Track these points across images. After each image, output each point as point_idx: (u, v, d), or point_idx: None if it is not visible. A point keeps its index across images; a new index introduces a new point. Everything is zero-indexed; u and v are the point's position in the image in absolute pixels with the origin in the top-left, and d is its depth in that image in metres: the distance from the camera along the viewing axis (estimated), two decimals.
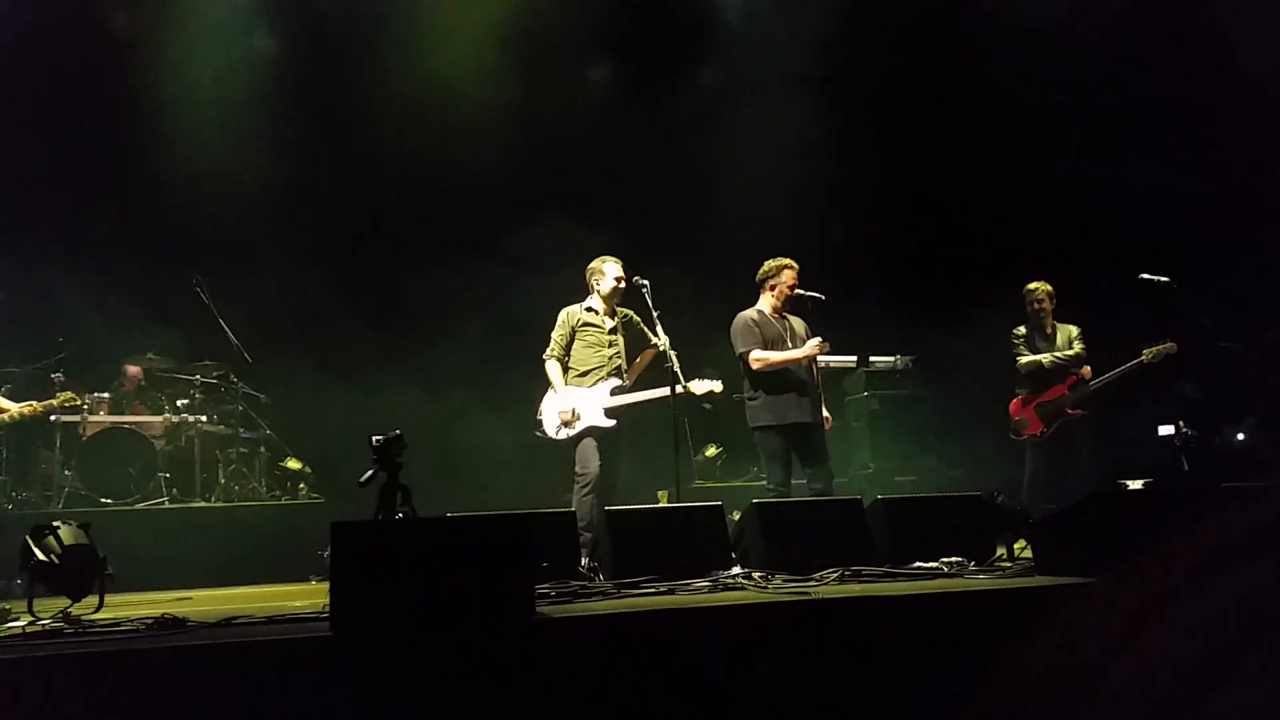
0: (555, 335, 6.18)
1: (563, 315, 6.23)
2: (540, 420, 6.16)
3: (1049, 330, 7.07)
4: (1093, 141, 8.79)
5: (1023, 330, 7.09)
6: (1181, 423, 5.85)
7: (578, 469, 5.95)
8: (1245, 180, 8.31)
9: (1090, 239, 8.55)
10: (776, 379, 6.00)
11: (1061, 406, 6.90)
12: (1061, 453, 6.87)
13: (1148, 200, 8.67)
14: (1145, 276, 6.83)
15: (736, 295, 6.77)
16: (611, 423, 6.01)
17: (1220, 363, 6.94)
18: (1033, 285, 7.10)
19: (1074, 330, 7.06)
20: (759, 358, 6.01)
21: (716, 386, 6.09)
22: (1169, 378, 6.91)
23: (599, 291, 6.18)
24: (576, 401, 6.00)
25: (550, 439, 6.07)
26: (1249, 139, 8.08)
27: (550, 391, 6.12)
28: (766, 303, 6.14)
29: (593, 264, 6.25)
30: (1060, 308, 7.11)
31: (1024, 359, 7.02)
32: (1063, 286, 7.18)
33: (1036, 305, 7.05)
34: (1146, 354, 6.74)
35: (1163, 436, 6.08)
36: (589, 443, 5.97)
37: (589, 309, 6.21)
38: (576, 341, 6.12)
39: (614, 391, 6.07)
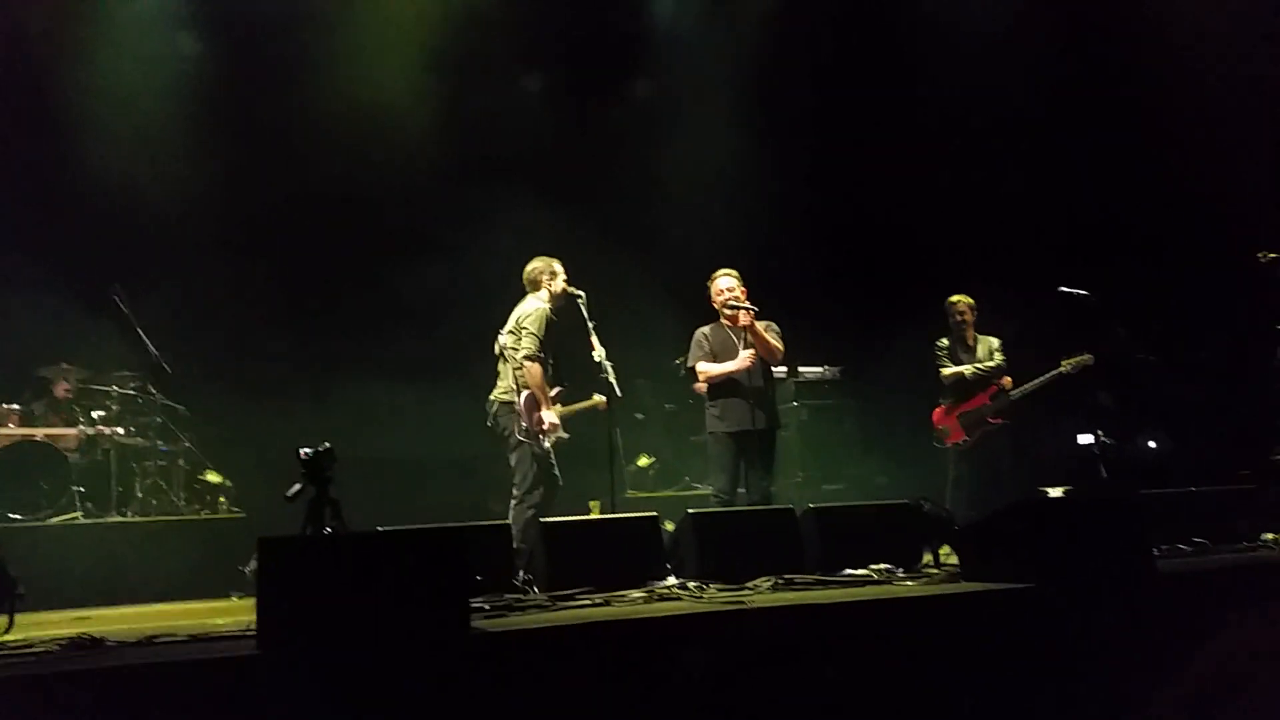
0: (538, 334, 5.86)
1: (538, 313, 5.93)
2: (517, 423, 5.82)
3: (971, 342, 7.25)
4: (1015, 155, 9.02)
5: (945, 342, 7.27)
6: (1100, 432, 6.05)
7: (528, 482, 5.78)
8: (1162, 195, 8.62)
9: (1012, 252, 8.77)
10: (725, 388, 6.10)
11: (983, 416, 7.08)
12: (983, 461, 7.05)
13: (1069, 214, 8.95)
14: (1064, 290, 7.05)
15: (671, 306, 6.82)
16: (567, 434, 6.02)
17: (1135, 374, 7.18)
18: (954, 298, 7.28)
19: (995, 342, 7.26)
20: (700, 371, 6.18)
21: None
22: (1088, 388, 7.13)
23: (551, 291, 6.05)
24: (554, 410, 5.91)
25: (527, 442, 5.80)
26: (1169, 152, 8.37)
27: (525, 393, 5.84)
28: (723, 316, 6.20)
29: (538, 264, 6.12)
30: (982, 320, 7.29)
31: (946, 370, 7.20)
32: (985, 299, 7.37)
33: (958, 317, 7.24)
34: (1065, 365, 6.96)
35: (1081, 445, 6.29)
36: (549, 456, 5.87)
37: (552, 311, 6.01)
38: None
39: (559, 400, 6.05)
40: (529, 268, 6.14)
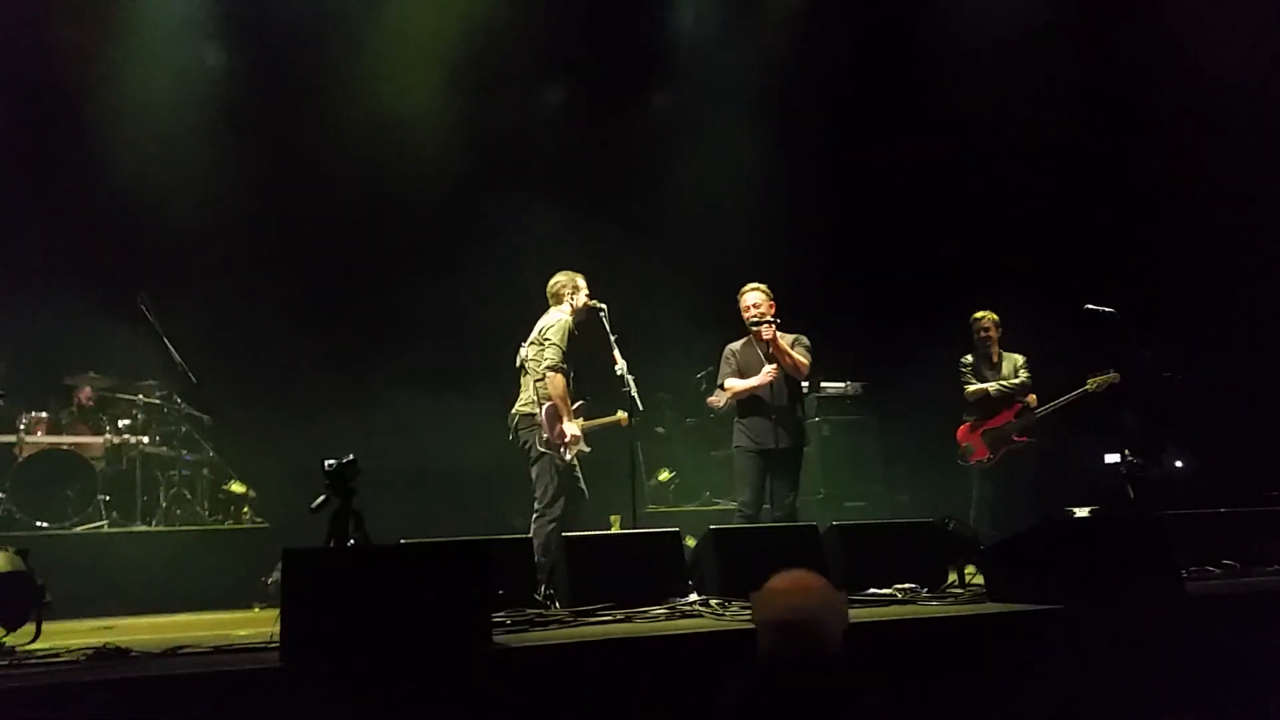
0: (561, 344, 5.86)
1: (561, 324, 5.94)
2: (539, 434, 5.82)
3: (995, 359, 7.21)
4: (1044, 172, 8.96)
5: (969, 359, 7.23)
6: (1127, 451, 5.99)
7: (549, 496, 5.77)
8: (1192, 211, 8.54)
9: (1039, 268, 8.72)
10: (748, 405, 6.11)
11: (1008, 434, 7.03)
12: (1008, 479, 7.00)
13: (1095, 232, 8.89)
14: (1090, 307, 7.00)
15: (693, 321, 6.82)
16: (589, 448, 6.01)
17: (1161, 393, 7.11)
18: (978, 314, 7.24)
19: (1020, 359, 7.20)
20: (726, 387, 6.19)
21: (619, 417, 6.18)
22: (1114, 407, 7.07)
23: (573, 305, 6.05)
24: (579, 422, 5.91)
25: (550, 455, 5.80)
26: (1201, 168, 8.30)
27: (548, 404, 5.84)
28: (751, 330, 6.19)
29: (561, 278, 6.13)
30: (1008, 336, 7.25)
31: (971, 387, 7.16)
32: (1011, 316, 7.33)
33: (982, 334, 7.20)
34: (1091, 383, 6.90)
35: (1108, 464, 6.22)
36: (572, 469, 5.87)
37: (574, 323, 6.01)
38: None
39: (582, 414, 6.05)
40: (552, 281, 6.16)
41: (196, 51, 8.54)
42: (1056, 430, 7.21)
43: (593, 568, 4.58)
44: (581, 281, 6.12)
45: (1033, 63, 8.95)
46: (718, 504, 8.16)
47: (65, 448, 7.15)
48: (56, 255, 7.73)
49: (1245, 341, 7.91)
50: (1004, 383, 7.10)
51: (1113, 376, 6.85)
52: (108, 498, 7.00)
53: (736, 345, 6.25)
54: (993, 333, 7.19)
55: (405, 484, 7.46)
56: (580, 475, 5.95)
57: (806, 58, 9.46)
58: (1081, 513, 5.48)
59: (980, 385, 7.12)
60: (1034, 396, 7.06)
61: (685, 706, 3.36)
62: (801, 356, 6.08)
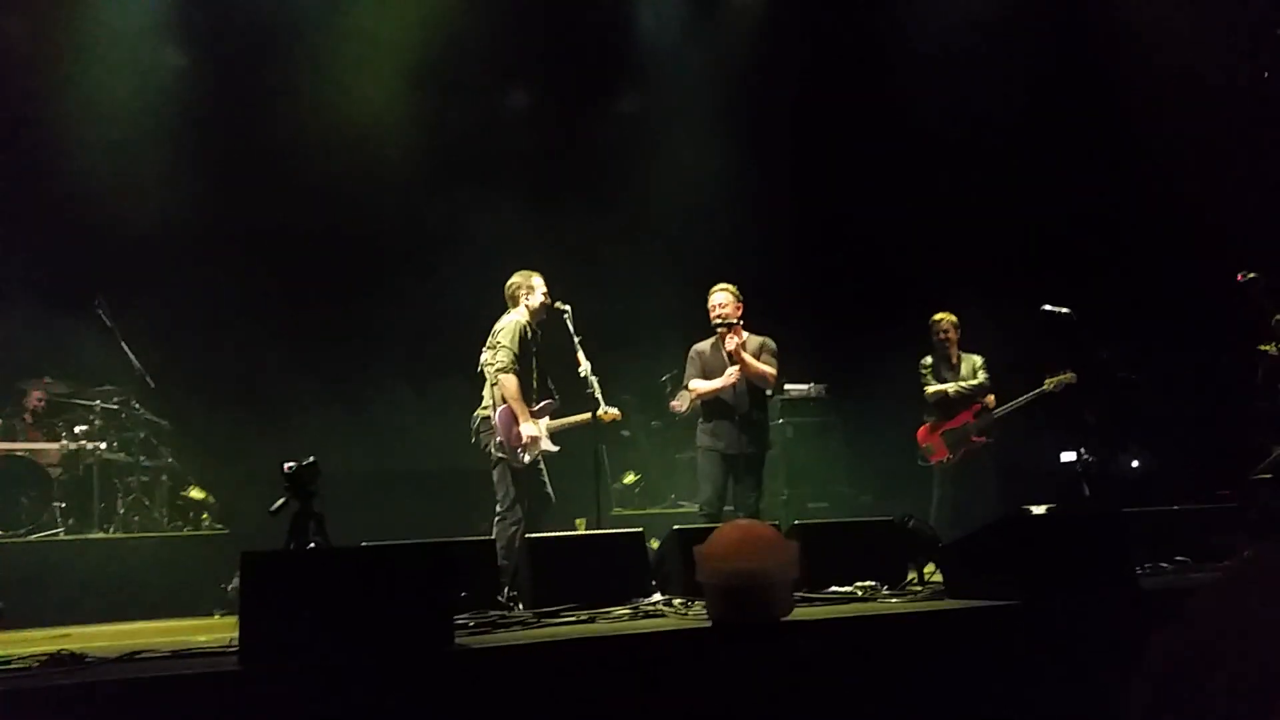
0: (511, 346, 5.79)
1: (512, 325, 5.88)
2: (495, 438, 5.76)
3: (954, 360, 7.29)
4: (1003, 173, 9.08)
5: (929, 360, 7.31)
6: (1083, 449, 6.08)
7: (509, 499, 5.73)
8: (1145, 211, 8.70)
9: (998, 270, 8.83)
10: (712, 408, 6.13)
11: (967, 434, 7.12)
12: (967, 479, 7.09)
13: (1053, 233, 9.02)
14: (1047, 308, 7.10)
15: (657, 322, 6.84)
16: (556, 448, 5.96)
17: (1117, 392, 7.23)
18: (937, 316, 7.33)
19: (978, 360, 7.30)
20: (690, 388, 6.24)
21: (614, 412, 6.08)
22: (1071, 406, 7.18)
23: (529, 306, 6.01)
24: (537, 424, 5.85)
25: (504, 458, 5.74)
26: (1152, 167, 8.46)
27: (501, 407, 5.78)
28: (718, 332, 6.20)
29: (516, 279, 6.08)
30: (966, 338, 7.34)
31: (930, 388, 7.24)
32: (970, 317, 7.42)
33: (941, 335, 7.28)
34: (1048, 383, 7.01)
35: (1065, 463, 6.32)
36: (532, 472, 5.83)
37: (529, 324, 5.97)
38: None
39: (550, 414, 6.00)
40: (509, 283, 6.12)
41: (155, 51, 8.44)
42: (1015, 430, 7.31)
43: (556, 569, 4.58)
44: (537, 281, 6.06)
45: (991, 63, 9.08)
46: (683, 506, 8.18)
47: (20, 453, 7.04)
48: (9, 258, 7.60)
49: (1201, 340, 8.05)
50: (963, 384, 7.19)
51: (1069, 376, 6.96)
52: (64, 504, 6.90)
53: (703, 346, 6.25)
54: (951, 334, 7.28)
55: (368, 486, 7.44)
56: (546, 479, 5.91)
57: (768, 59, 9.54)
58: (1038, 510, 5.56)
59: (939, 386, 7.21)
60: (993, 397, 7.16)
61: (648, 705, 3.37)
62: (768, 366, 6.09)
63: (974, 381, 7.19)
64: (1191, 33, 8.42)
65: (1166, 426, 7.76)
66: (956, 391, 7.16)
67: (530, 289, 6.02)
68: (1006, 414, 7.11)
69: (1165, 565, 5.02)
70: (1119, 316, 7.92)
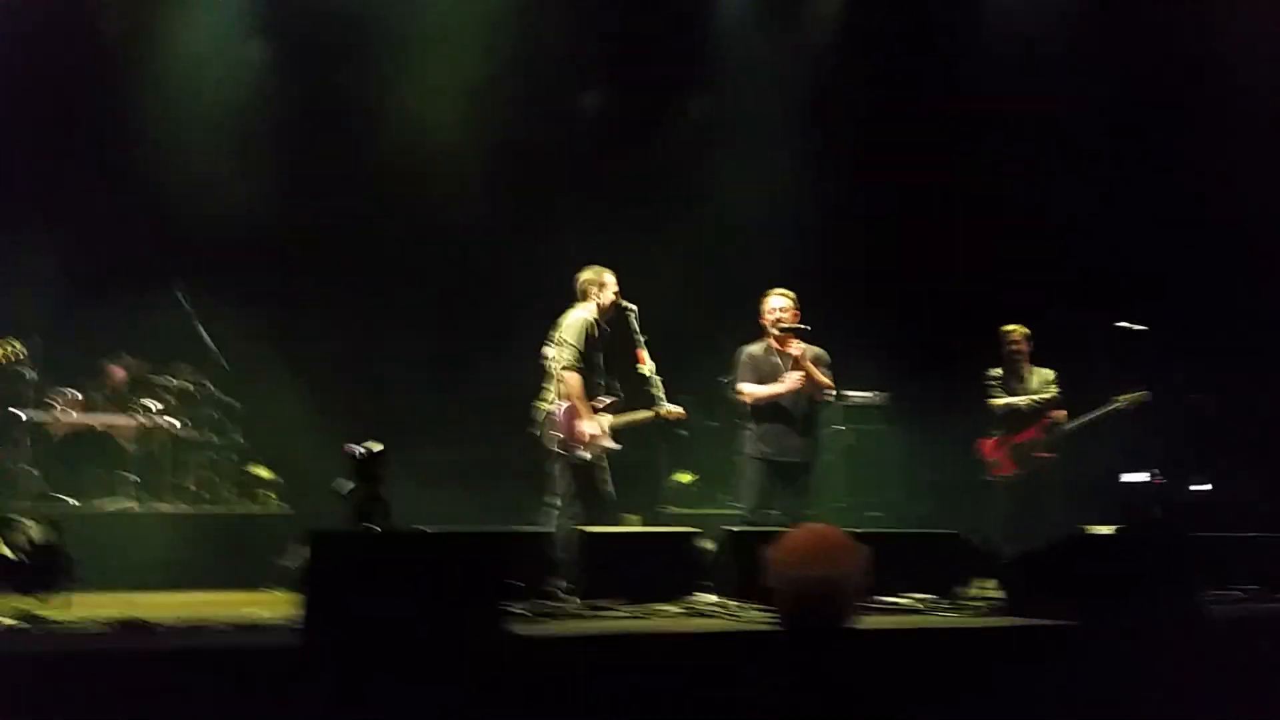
0: (575, 344, 5.77)
1: (578, 322, 5.84)
2: (554, 434, 5.77)
3: (1024, 373, 7.13)
4: (1082, 185, 8.90)
5: (998, 372, 7.16)
6: (1156, 471, 5.93)
7: (567, 496, 5.70)
8: (1228, 231, 8.46)
9: (1071, 284, 8.65)
10: (765, 413, 6.04)
11: (1033, 449, 6.96)
12: (1033, 495, 6.93)
13: (1131, 248, 8.81)
14: (1122, 325, 6.93)
15: (720, 323, 6.81)
16: (618, 445, 5.90)
17: (1190, 413, 7.04)
18: (1009, 327, 7.17)
19: (1049, 374, 7.14)
20: (742, 391, 6.11)
21: (677, 410, 6.05)
22: (1143, 426, 7.00)
23: (599, 302, 5.95)
24: (600, 420, 5.83)
25: (565, 455, 5.73)
26: (1239, 189, 8.24)
27: (562, 403, 5.77)
28: (770, 336, 6.14)
29: (588, 274, 6.03)
30: (1038, 351, 7.18)
31: (998, 400, 7.09)
32: (1041, 330, 7.26)
33: (1012, 347, 7.12)
34: (1120, 401, 6.84)
35: (1135, 483, 6.16)
36: (595, 469, 5.80)
37: (597, 320, 5.92)
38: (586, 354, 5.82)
39: (613, 411, 5.99)
40: (579, 277, 6.10)
41: (241, 45, 8.65)
42: (1084, 447, 7.14)
43: (610, 564, 4.62)
44: (609, 278, 6.03)
45: (1071, 73, 8.91)
46: (736, 507, 8.14)
47: (98, 428, 7.27)
48: (97, 244, 7.87)
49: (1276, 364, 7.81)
50: (1034, 398, 7.03)
51: (1143, 395, 6.78)
52: (137, 478, 7.10)
53: (755, 349, 6.17)
54: (1023, 346, 7.12)
55: (435, 474, 7.51)
56: (607, 477, 5.88)
57: (844, 66, 9.46)
58: (1106, 531, 5.44)
59: (1008, 399, 7.06)
60: (1062, 412, 7.00)
61: (697, 704, 3.37)
62: (826, 378, 6.05)
63: (1044, 396, 7.04)
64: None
65: (1239, 451, 7.52)
66: (1029, 405, 7.01)
67: (602, 285, 5.98)
68: (1076, 430, 6.95)
69: (1235, 593, 4.88)
70: (1195, 335, 7.69)
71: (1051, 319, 7.49)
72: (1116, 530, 5.43)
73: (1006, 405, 7.04)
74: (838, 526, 2.61)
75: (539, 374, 6.10)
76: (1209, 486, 7.14)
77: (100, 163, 8.05)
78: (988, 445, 7.18)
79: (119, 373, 7.68)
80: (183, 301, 7.53)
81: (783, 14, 9.84)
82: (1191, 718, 3.81)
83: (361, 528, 3.95)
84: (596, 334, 5.90)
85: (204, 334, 7.61)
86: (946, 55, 9.42)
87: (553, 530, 5.50)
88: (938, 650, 3.82)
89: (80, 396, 7.40)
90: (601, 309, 5.96)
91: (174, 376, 7.60)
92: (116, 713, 2.85)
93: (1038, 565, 4.44)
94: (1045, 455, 6.93)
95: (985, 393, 7.13)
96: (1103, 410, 6.90)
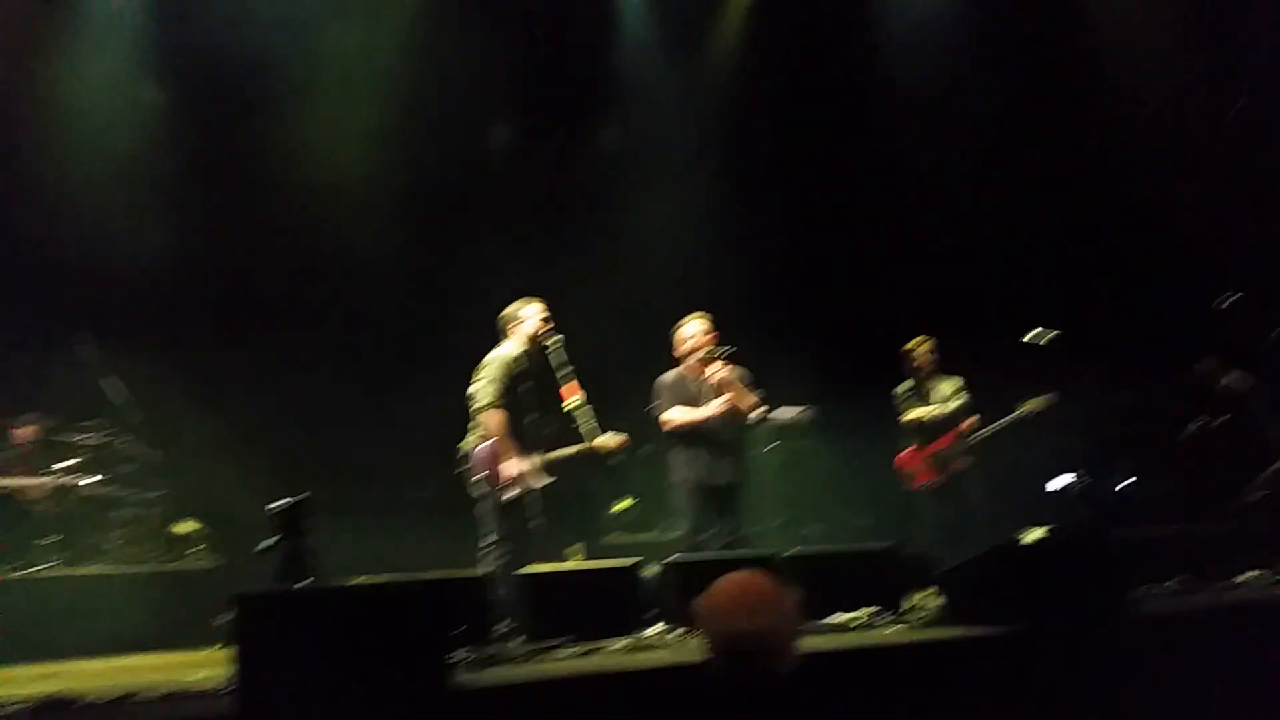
0: (497, 380, 5.66)
1: (498, 360, 5.74)
2: (478, 475, 5.64)
3: (931, 384, 7.26)
4: (987, 196, 9.14)
5: (905, 387, 7.29)
6: (1080, 471, 6.06)
7: (494, 534, 5.58)
8: (1135, 228, 8.77)
9: (984, 292, 8.84)
10: (692, 438, 6.02)
11: (947, 458, 7.09)
12: (953, 502, 7.06)
13: (1040, 253, 9.07)
14: (1029, 339, 7.06)
15: (645, 350, 6.79)
16: (550, 479, 5.79)
17: (1107, 413, 7.23)
18: (908, 345, 7.31)
19: (958, 382, 7.26)
20: (667, 419, 6.08)
21: (617, 440, 5.98)
22: (1065, 427, 7.17)
23: (522, 336, 5.86)
24: (525, 459, 5.71)
25: (490, 496, 5.62)
26: (1133, 196, 8.54)
27: (484, 444, 5.64)
28: (688, 363, 6.13)
29: (508, 310, 5.94)
30: (953, 360, 7.30)
31: (907, 415, 7.21)
32: (957, 339, 7.40)
33: (914, 362, 7.26)
34: (1025, 406, 6.99)
35: (1061, 485, 6.30)
36: (521, 506, 5.69)
37: (521, 355, 5.82)
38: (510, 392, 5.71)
39: (545, 447, 5.83)
40: (500, 316, 6.04)
41: (135, 87, 8.46)
42: (1008, 450, 7.28)
43: (552, 603, 4.55)
44: (528, 310, 5.92)
45: (969, 92, 9.19)
46: (674, 533, 8.13)
47: (6, 490, 6.97)
48: None
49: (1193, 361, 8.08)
50: (934, 409, 7.16)
51: (1048, 399, 6.94)
52: (52, 539, 6.82)
53: (669, 377, 6.14)
54: (925, 361, 7.25)
55: (363, 520, 7.35)
56: (531, 515, 5.74)
57: (748, 88, 9.62)
58: (1036, 534, 5.55)
59: (915, 413, 7.19)
60: (973, 419, 7.14)
61: None
62: (751, 397, 6.05)
63: (950, 406, 7.17)
64: (1169, 62, 8.54)
65: (1159, 448, 7.75)
66: (931, 418, 7.14)
67: (519, 319, 5.89)
68: (988, 436, 7.09)
69: (1162, 587, 5.01)
70: (1108, 338, 7.92)
71: (967, 327, 7.63)
72: (1047, 532, 5.55)
73: (914, 420, 7.16)
74: (763, 573, 2.58)
75: (465, 413, 6.01)
76: (1132, 481, 7.34)
77: None
78: (905, 457, 7.29)
79: (26, 432, 7.37)
80: (86, 354, 7.25)
81: (685, 41, 9.98)
82: (1130, 716, 3.89)
83: (290, 583, 3.82)
84: (523, 368, 5.81)
85: (110, 386, 7.33)
86: (847, 79, 9.65)
87: (491, 571, 5.40)
88: (882, 666, 3.84)
89: None
90: (528, 341, 5.88)
91: (86, 432, 7.31)
92: None
93: (972, 573, 4.50)
94: (959, 463, 7.06)
95: (897, 409, 7.24)
96: (1011, 416, 7.05)
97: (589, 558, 6.58)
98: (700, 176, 9.29)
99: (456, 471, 5.87)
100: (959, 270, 9.03)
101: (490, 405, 5.64)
